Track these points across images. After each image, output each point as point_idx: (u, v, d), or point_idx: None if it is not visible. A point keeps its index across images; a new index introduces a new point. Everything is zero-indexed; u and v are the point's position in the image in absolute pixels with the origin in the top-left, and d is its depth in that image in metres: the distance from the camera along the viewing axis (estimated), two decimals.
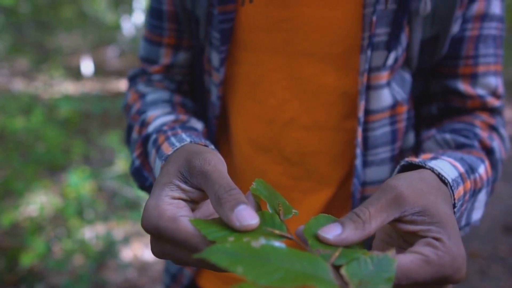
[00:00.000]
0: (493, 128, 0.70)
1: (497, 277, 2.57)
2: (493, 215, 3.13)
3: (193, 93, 0.83)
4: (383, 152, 0.69)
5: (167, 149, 0.54)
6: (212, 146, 0.56)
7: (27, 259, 2.19)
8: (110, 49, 6.43)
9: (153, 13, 0.78)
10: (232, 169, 0.77)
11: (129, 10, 5.54)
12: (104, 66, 6.26)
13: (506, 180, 3.47)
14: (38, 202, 2.55)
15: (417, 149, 0.74)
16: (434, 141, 0.69)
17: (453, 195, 0.50)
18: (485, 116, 0.72)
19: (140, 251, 2.60)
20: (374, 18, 0.61)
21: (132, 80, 0.83)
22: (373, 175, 0.69)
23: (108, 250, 2.39)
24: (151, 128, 0.65)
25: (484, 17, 0.68)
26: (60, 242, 2.44)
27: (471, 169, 0.57)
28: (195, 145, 0.52)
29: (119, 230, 2.69)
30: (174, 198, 0.46)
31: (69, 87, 5.30)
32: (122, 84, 5.71)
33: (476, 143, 0.65)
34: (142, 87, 0.79)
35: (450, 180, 0.50)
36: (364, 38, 0.62)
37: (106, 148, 3.09)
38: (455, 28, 0.67)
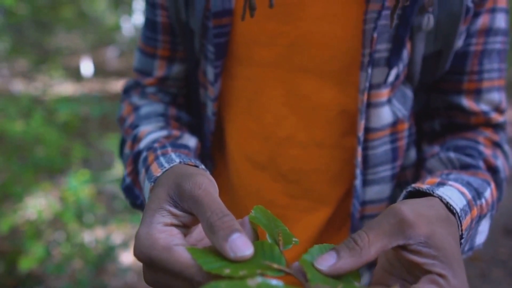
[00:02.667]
0: (497, 145, 0.69)
1: (498, 280, 2.56)
2: (494, 218, 3.12)
3: (188, 105, 0.82)
4: (384, 171, 0.68)
5: (156, 170, 0.52)
6: (202, 166, 0.54)
7: (26, 263, 2.19)
8: (110, 50, 6.42)
9: (148, 24, 0.76)
10: (227, 186, 0.76)
11: (129, 11, 5.53)
12: (104, 67, 6.25)
13: (507, 183, 3.46)
14: (37, 206, 2.54)
15: (418, 166, 0.72)
16: (438, 159, 0.67)
17: (461, 226, 0.48)
18: (488, 133, 0.70)
19: None
20: (375, 35, 0.59)
21: (127, 92, 0.82)
22: (373, 194, 0.68)
23: (107, 254, 2.39)
24: (142, 144, 0.64)
25: (489, 31, 0.66)
26: (59, 246, 2.44)
27: (478, 194, 0.56)
28: (185, 166, 0.51)
29: (118, 233, 2.68)
30: (166, 225, 0.44)
31: (68, 88, 5.29)
32: (121, 85, 5.70)
33: (481, 163, 0.64)
34: (136, 100, 0.78)
35: (458, 210, 0.49)
36: (364, 55, 0.61)
37: (105, 151, 3.08)
38: (459, 43, 0.66)
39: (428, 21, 0.62)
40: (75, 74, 5.61)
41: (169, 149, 0.58)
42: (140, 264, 0.67)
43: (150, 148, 0.60)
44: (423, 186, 0.52)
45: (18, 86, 5.26)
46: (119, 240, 2.61)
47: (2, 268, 2.33)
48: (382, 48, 0.61)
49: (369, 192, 0.68)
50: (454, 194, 0.51)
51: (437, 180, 0.55)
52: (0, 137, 2.81)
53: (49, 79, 4.97)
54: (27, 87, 5.22)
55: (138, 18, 5.15)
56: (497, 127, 0.71)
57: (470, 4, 0.63)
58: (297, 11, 0.63)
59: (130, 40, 6.00)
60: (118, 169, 2.81)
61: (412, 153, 0.72)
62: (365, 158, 0.66)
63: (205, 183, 0.45)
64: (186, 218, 0.46)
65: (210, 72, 0.69)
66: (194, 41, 0.72)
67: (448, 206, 0.48)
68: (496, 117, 0.70)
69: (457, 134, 0.72)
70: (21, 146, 2.71)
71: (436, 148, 0.70)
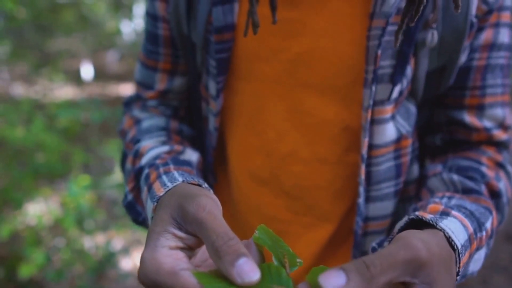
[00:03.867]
0: (500, 166, 0.68)
1: (499, 286, 2.55)
2: None
3: (190, 118, 0.82)
4: (387, 188, 0.67)
5: (158, 190, 0.52)
6: (206, 185, 0.54)
7: (26, 270, 2.18)
8: (110, 53, 6.42)
9: (149, 37, 0.76)
10: (229, 201, 0.76)
11: (129, 15, 5.53)
12: (104, 70, 6.25)
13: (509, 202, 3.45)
14: (37, 212, 2.54)
15: (420, 183, 0.72)
16: (440, 179, 0.66)
17: (459, 263, 0.48)
18: (491, 152, 0.69)
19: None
20: (379, 52, 0.58)
21: (128, 105, 0.81)
22: (376, 211, 0.68)
23: (107, 260, 2.38)
24: (144, 160, 0.64)
25: (492, 46, 0.66)
26: (59, 252, 2.43)
27: (479, 226, 0.55)
28: (188, 186, 0.50)
29: (118, 239, 2.68)
30: (171, 248, 0.44)
31: (69, 92, 5.29)
32: (121, 89, 5.69)
33: (483, 188, 0.63)
34: (137, 113, 0.77)
35: (459, 247, 0.48)
36: (368, 71, 0.60)
37: (105, 157, 3.08)
38: (463, 59, 0.65)
39: (432, 37, 0.61)
40: (75, 78, 5.61)
41: (172, 166, 0.58)
42: None
43: (152, 165, 0.60)
44: (427, 215, 0.51)
45: (18, 90, 5.26)
46: (119, 246, 2.60)
47: (2, 274, 2.32)
48: (386, 64, 0.61)
49: (372, 208, 0.68)
50: (457, 227, 0.50)
51: (440, 207, 0.54)
52: (0, 143, 2.80)
53: (50, 83, 4.97)
54: (28, 90, 5.22)
55: (138, 22, 5.15)
56: (500, 145, 0.71)
57: (474, 19, 0.63)
58: (299, 27, 0.63)
59: (131, 44, 6.00)
60: (119, 175, 2.80)
61: (415, 168, 0.72)
62: (368, 175, 0.66)
63: (209, 204, 0.44)
64: (190, 240, 0.45)
65: (212, 87, 0.68)
66: (196, 55, 0.71)
67: (449, 241, 0.48)
68: (499, 134, 0.70)
69: (460, 153, 0.71)
70: (21, 151, 2.71)
71: (438, 167, 0.69)
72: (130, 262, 2.56)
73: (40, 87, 5.18)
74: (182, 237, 0.45)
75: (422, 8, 0.50)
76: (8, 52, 5.08)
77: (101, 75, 5.94)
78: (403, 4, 0.59)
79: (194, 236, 0.45)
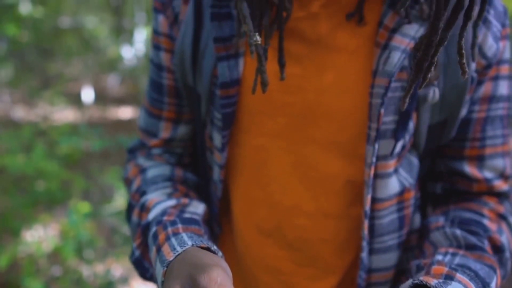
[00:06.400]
0: (502, 218, 0.69)
1: None
2: None
3: (194, 164, 0.83)
4: (390, 240, 0.68)
5: (168, 254, 0.53)
6: (215, 247, 0.54)
7: None
8: (111, 77, 6.47)
9: (153, 85, 0.77)
10: (234, 251, 0.76)
11: (130, 40, 5.59)
12: (104, 94, 6.28)
13: None
14: (35, 239, 2.52)
15: (423, 234, 0.72)
16: (443, 233, 0.67)
17: None
18: (493, 203, 0.70)
19: None
20: (383, 111, 0.59)
21: (132, 152, 0.82)
22: (379, 262, 0.68)
23: None
24: (151, 216, 0.64)
25: (491, 99, 0.67)
26: (57, 281, 2.41)
27: (484, 287, 0.56)
28: (198, 251, 0.51)
29: (117, 266, 2.66)
30: None
31: (69, 115, 5.31)
32: (121, 112, 5.72)
33: (486, 243, 0.63)
34: (142, 161, 0.78)
35: None
36: (371, 128, 0.61)
37: (105, 184, 3.07)
38: (463, 112, 0.66)
39: (434, 94, 0.62)
40: (76, 101, 5.64)
41: (180, 227, 0.58)
42: None
43: (159, 222, 0.61)
44: (431, 281, 0.51)
45: (19, 113, 5.28)
46: (118, 274, 2.57)
47: None
48: (389, 120, 0.62)
49: (375, 260, 0.68)
50: None
51: (444, 270, 0.55)
52: (1, 170, 2.80)
53: (50, 106, 5.00)
54: (28, 113, 5.24)
55: (139, 47, 5.21)
56: (502, 196, 0.71)
57: (474, 74, 0.64)
58: (302, 82, 0.64)
59: (131, 68, 6.05)
60: (119, 202, 2.79)
61: (417, 218, 0.72)
62: (371, 228, 0.66)
63: (220, 276, 0.45)
64: None
65: (217, 139, 0.69)
66: (201, 105, 0.72)
67: None
68: (500, 185, 0.70)
69: (461, 203, 0.72)
70: (21, 178, 2.71)
71: (440, 219, 0.69)
72: None
73: (41, 110, 5.21)
74: None
75: (429, 75, 0.51)
76: (10, 75, 5.12)
77: (101, 98, 5.97)
78: (406, 62, 0.60)
79: None
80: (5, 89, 5.54)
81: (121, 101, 6.03)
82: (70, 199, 2.83)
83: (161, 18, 0.72)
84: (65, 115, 5.24)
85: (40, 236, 2.60)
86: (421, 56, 0.50)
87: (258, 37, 0.55)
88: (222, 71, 0.64)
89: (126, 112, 5.72)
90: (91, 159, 3.61)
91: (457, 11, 0.47)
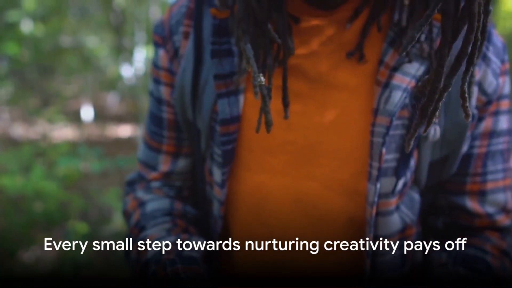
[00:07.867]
0: (505, 254, 0.68)
1: None
2: None
3: (194, 197, 0.82)
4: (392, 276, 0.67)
5: None
6: None
7: None
8: (111, 95, 6.50)
9: (153, 119, 0.76)
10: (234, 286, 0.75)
11: (130, 59, 5.63)
12: (104, 112, 6.31)
13: None
14: (32, 260, 2.50)
15: (425, 269, 0.72)
16: (446, 271, 0.66)
17: None
18: (495, 239, 0.69)
19: None
20: (384, 150, 0.59)
21: (131, 185, 0.81)
22: None
23: None
24: (150, 254, 0.64)
25: (492, 134, 0.67)
26: None
27: None
28: None
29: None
30: None
31: (68, 133, 5.32)
32: (121, 130, 5.74)
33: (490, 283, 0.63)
34: (141, 194, 0.77)
35: None
36: (372, 167, 0.61)
37: (104, 205, 3.06)
38: (465, 148, 0.66)
39: (435, 132, 0.62)
40: (75, 119, 5.65)
41: (179, 267, 0.58)
42: None
43: (159, 261, 0.60)
44: None
45: (18, 131, 5.29)
46: None
47: None
48: (390, 158, 0.62)
49: None
50: None
51: None
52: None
53: (50, 124, 5.00)
54: (27, 131, 5.25)
55: (139, 67, 5.25)
56: (504, 231, 0.71)
57: (475, 111, 0.64)
58: (303, 120, 0.64)
59: (131, 87, 6.09)
60: (117, 223, 2.78)
61: (419, 253, 0.72)
62: (373, 265, 0.66)
63: None
64: None
65: (217, 174, 0.69)
66: (201, 140, 0.72)
67: None
68: (502, 219, 0.70)
69: (463, 239, 0.71)
70: (19, 199, 2.70)
71: (443, 256, 0.69)
72: None
73: (40, 128, 5.21)
74: None
75: (433, 120, 0.51)
76: (9, 93, 5.14)
77: (101, 116, 5.99)
78: (407, 100, 0.60)
79: None
80: (5, 107, 5.55)
81: (120, 119, 6.05)
82: (68, 220, 2.82)
83: (161, 52, 0.73)
84: (64, 133, 5.24)
85: (37, 257, 2.58)
86: (426, 102, 0.50)
87: (262, 78, 0.55)
88: (223, 108, 0.64)
89: (125, 130, 5.73)
90: (90, 180, 3.60)
91: (461, 58, 0.47)
